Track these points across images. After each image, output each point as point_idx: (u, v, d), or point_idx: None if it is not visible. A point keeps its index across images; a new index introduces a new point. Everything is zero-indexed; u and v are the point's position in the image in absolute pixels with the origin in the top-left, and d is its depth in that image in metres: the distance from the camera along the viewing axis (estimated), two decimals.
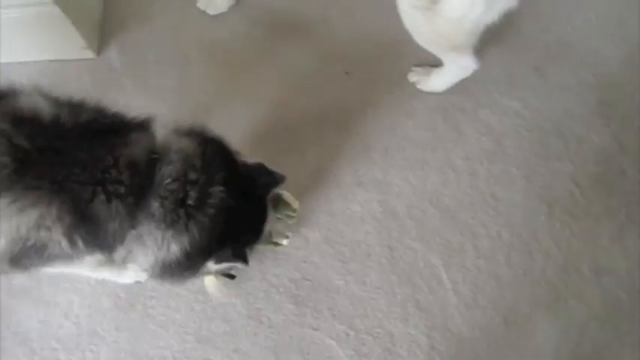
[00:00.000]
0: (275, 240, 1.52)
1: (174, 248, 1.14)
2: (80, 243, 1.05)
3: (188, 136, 1.20)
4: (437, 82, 1.75)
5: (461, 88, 1.77)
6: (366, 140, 1.75)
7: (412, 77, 1.80)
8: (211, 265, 1.26)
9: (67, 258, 1.09)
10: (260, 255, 1.62)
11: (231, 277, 1.45)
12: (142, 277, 1.61)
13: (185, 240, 1.14)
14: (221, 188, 1.16)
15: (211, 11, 1.93)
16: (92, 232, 1.06)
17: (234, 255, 1.24)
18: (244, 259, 1.26)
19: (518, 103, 1.77)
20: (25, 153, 0.98)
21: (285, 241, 1.53)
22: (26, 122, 0.99)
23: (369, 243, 1.64)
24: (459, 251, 1.61)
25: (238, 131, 1.65)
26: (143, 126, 1.14)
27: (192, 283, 1.58)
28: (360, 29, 1.90)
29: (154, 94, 1.81)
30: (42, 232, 1.01)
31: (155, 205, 1.10)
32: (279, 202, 1.50)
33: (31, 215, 0.98)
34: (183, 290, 1.61)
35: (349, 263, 1.62)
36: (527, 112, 1.76)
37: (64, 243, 1.04)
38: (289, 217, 1.52)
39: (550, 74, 1.81)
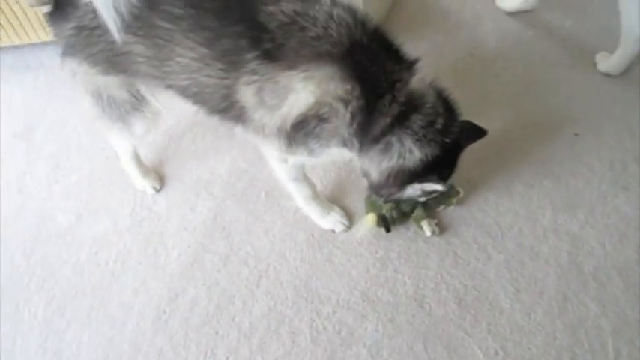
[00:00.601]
0: (422, 225, 1.80)
1: (415, 156, 1.45)
2: (355, 126, 1.36)
3: (435, 89, 1.50)
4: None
5: None
6: (575, 196, 1.85)
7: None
8: (415, 186, 1.57)
9: (328, 139, 1.42)
10: (442, 253, 1.78)
11: (388, 230, 1.78)
12: (338, 227, 1.84)
13: (426, 151, 1.45)
14: (456, 129, 1.49)
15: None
16: (367, 121, 1.36)
17: (439, 179, 1.54)
18: (444, 183, 1.57)
19: None
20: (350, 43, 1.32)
21: (428, 232, 1.79)
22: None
23: (546, 283, 1.70)
24: (632, 327, 1.61)
25: None
26: (414, 64, 1.43)
27: (375, 249, 1.79)
28: None
29: None
30: (338, 103, 1.32)
31: (417, 120, 1.41)
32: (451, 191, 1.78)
33: (343, 86, 1.30)
34: (366, 252, 1.80)
35: (521, 292, 1.70)
36: None
37: (346, 119, 1.35)
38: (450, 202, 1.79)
39: None
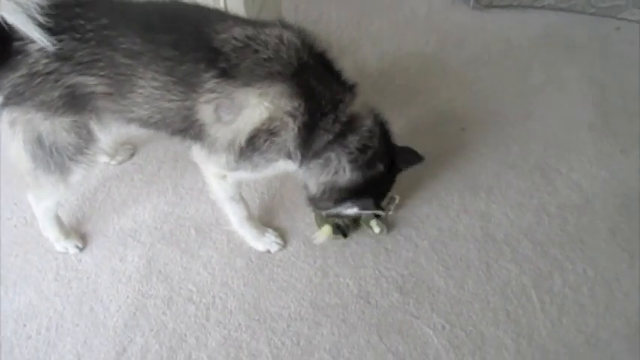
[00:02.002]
0: (371, 225, 1.93)
1: (347, 175, 1.59)
2: (300, 140, 1.49)
3: (373, 114, 1.65)
4: None
5: (557, 153, 2.13)
6: (474, 180, 2.09)
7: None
8: (353, 209, 1.71)
9: (276, 153, 1.53)
10: (375, 250, 1.91)
11: (345, 235, 1.88)
12: (274, 247, 1.91)
13: (356, 174, 1.60)
14: (390, 155, 1.68)
15: None
16: (310, 136, 1.49)
17: (369, 204, 1.69)
18: (376, 207, 1.70)
19: (606, 173, 2.10)
20: (298, 64, 1.45)
21: (377, 230, 1.92)
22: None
23: (469, 257, 1.90)
24: (547, 278, 1.85)
25: None
26: (353, 88, 1.58)
27: (313, 260, 1.88)
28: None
29: None
30: (287, 118, 1.43)
31: (354, 141, 1.55)
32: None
33: (292, 103, 1.41)
34: (305, 265, 1.88)
35: (451, 270, 1.87)
36: (614, 182, 2.07)
37: (293, 133, 1.46)
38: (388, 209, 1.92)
39: (634, 155, 2.16)
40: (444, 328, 1.76)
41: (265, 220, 1.99)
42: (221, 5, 2.19)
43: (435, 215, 2.00)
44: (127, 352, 1.70)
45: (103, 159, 2.11)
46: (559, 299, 1.81)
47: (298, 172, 1.67)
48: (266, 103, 1.44)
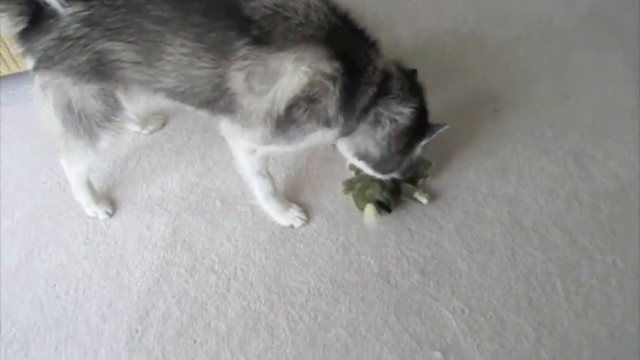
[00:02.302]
0: (416, 197, 1.92)
1: (406, 114, 1.61)
2: (344, 100, 1.49)
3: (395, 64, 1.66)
4: None
5: (594, 140, 2.06)
6: (505, 163, 2.04)
7: None
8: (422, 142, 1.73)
9: (314, 122, 1.53)
10: (398, 230, 1.89)
11: (389, 210, 1.86)
12: (297, 223, 1.92)
13: (411, 105, 1.61)
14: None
15: None
16: (353, 96, 1.50)
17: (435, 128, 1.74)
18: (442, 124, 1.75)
19: None
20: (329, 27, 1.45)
21: (425, 201, 1.92)
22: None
23: (494, 242, 1.86)
24: (574, 267, 1.80)
25: None
26: (375, 44, 1.57)
27: (336, 237, 1.88)
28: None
29: None
30: (327, 82, 1.43)
31: (395, 85, 1.58)
32: (423, 164, 1.92)
33: (331, 64, 1.42)
34: (327, 241, 1.88)
35: (474, 254, 1.84)
36: None
37: (335, 97, 1.46)
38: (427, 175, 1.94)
39: None
40: (463, 312, 1.74)
41: (290, 195, 2.00)
42: None
43: (462, 197, 1.97)
44: (150, 317, 1.75)
45: (135, 128, 2.15)
46: (585, 290, 1.76)
47: (342, 142, 1.68)
48: (304, 68, 1.43)
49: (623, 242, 1.84)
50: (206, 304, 1.77)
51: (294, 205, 1.94)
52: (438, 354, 1.66)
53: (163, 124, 2.20)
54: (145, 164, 2.11)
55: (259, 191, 1.87)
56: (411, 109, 1.59)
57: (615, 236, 1.86)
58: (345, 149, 1.72)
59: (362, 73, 1.50)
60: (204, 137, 2.16)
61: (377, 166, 1.72)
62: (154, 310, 1.76)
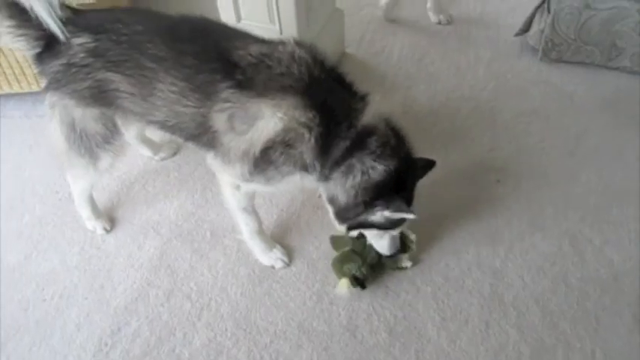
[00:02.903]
0: (400, 265, 1.90)
1: (379, 170, 1.59)
2: (317, 150, 1.53)
3: (385, 120, 1.66)
4: None
5: (594, 224, 1.99)
6: (496, 234, 2.01)
7: None
8: (384, 213, 1.65)
9: (291, 166, 1.57)
10: (374, 286, 1.89)
11: (363, 287, 1.85)
12: (278, 264, 1.95)
13: (386, 164, 1.59)
14: (409, 149, 1.68)
15: None
16: (328, 146, 1.54)
17: (402, 202, 1.64)
18: (408, 206, 1.66)
19: None
20: (309, 79, 1.52)
21: (409, 264, 1.91)
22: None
23: (470, 313, 1.82)
24: (549, 352, 1.72)
25: None
26: (364, 98, 1.61)
27: (312, 283, 1.90)
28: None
29: None
30: (302, 129, 1.49)
31: (373, 141, 1.58)
32: (405, 238, 1.89)
33: (306, 114, 1.48)
34: (303, 286, 1.90)
35: (447, 322, 1.80)
36: None
37: (310, 144, 1.51)
38: (409, 248, 1.91)
39: None
40: None
41: (277, 235, 2.05)
42: (276, 29, 2.32)
43: (445, 263, 1.95)
44: (121, 332, 1.81)
45: (147, 153, 2.28)
46: None
47: (320, 186, 1.71)
48: (279, 114, 1.49)
49: (606, 333, 1.76)
50: (175, 330, 1.82)
51: (278, 247, 1.98)
52: None
53: (174, 153, 2.32)
54: (149, 188, 2.22)
55: (244, 227, 1.92)
56: (384, 167, 1.60)
57: (599, 326, 1.77)
58: (322, 192, 1.76)
59: (338, 126, 1.54)
60: (208, 170, 2.24)
61: (339, 212, 1.72)
62: (126, 327, 1.83)
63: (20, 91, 2.45)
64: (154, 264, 1.98)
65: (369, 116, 1.63)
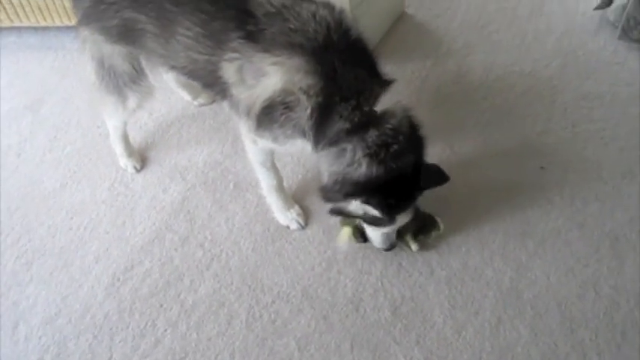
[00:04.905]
0: (407, 241, 1.80)
1: (362, 169, 1.49)
2: (314, 120, 1.44)
3: (407, 116, 1.54)
4: None
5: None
6: (529, 227, 1.86)
7: None
8: (359, 204, 1.57)
9: (292, 129, 1.51)
10: (387, 261, 1.81)
11: (365, 240, 1.79)
12: (293, 225, 1.92)
13: (372, 169, 1.48)
14: (411, 160, 1.52)
15: None
16: (325, 118, 1.44)
17: (379, 204, 1.52)
18: (383, 211, 1.54)
19: None
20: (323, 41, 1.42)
21: (414, 248, 1.79)
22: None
23: (482, 305, 1.71)
24: (561, 359, 1.60)
25: None
26: (387, 82, 1.51)
27: (324, 250, 1.85)
28: None
29: None
30: (302, 95, 1.41)
31: (372, 135, 1.46)
32: (432, 224, 1.79)
33: (307, 79, 1.40)
34: (315, 251, 1.86)
35: (456, 310, 1.71)
36: None
37: (307, 112, 1.43)
38: (430, 236, 1.79)
39: None
40: None
41: (299, 195, 2.00)
42: None
43: (467, 248, 1.83)
44: (133, 270, 1.87)
45: (187, 98, 2.29)
46: None
47: (313, 156, 1.64)
48: (280, 74, 1.42)
49: (630, 352, 1.59)
50: (184, 276, 1.85)
51: (297, 207, 1.94)
52: None
53: (213, 101, 2.30)
54: (184, 132, 2.24)
55: (262, 181, 1.90)
56: (368, 170, 1.48)
57: (624, 342, 1.61)
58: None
59: (342, 101, 1.43)
60: None
61: (322, 189, 1.64)
62: (139, 265, 1.88)
63: None
64: (175, 208, 2.01)
65: (393, 104, 1.52)
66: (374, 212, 1.57)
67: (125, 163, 2.12)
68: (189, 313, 1.77)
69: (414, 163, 1.54)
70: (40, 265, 1.91)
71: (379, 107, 1.56)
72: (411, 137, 1.53)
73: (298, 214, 1.92)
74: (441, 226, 1.80)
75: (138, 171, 2.12)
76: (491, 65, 2.29)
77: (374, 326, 1.70)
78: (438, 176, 1.59)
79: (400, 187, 1.56)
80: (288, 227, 1.92)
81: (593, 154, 2.01)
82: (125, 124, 2.05)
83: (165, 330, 1.74)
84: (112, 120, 2.01)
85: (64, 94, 2.44)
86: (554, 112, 2.13)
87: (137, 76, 1.74)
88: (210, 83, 1.59)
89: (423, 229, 1.81)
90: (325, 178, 1.64)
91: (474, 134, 2.06)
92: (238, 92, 1.54)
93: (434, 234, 1.82)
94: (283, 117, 1.50)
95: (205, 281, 1.83)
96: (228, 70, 1.50)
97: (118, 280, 1.85)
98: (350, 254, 1.85)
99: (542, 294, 1.72)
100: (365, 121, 1.48)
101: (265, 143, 1.71)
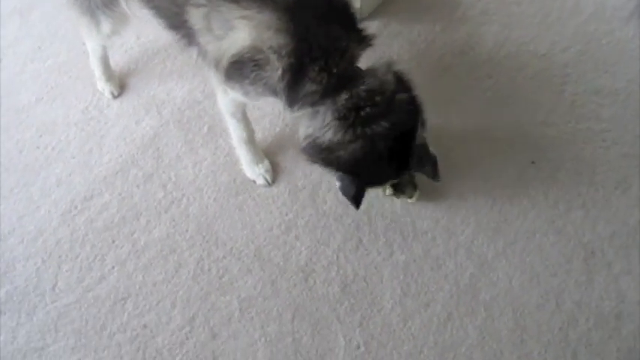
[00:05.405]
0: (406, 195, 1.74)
1: (328, 135, 1.39)
2: (285, 82, 1.33)
3: (393, 75, 1.41)
4: None
5: (626, 247, 1.66)
6: (503, 224, 1.75)
7: None
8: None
9: (263, 87, 1.40)
10: (348, 235, 1.74)
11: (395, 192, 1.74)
12: (260, 180, 1.83)
13: (339, 134, 1.39)
14: (386, 126, 1.38)
15: None
16: (297, 80, 1.33)
17: (352, 183, 1.45)
18: (353, 196, 1.48)
19: None
20: None
21: (388, 192, 1.75)
22: None
23: (435, 297, 1.64)
24: None
25: None
26: (367, 39, 1.38)
27: (286, 212, 1.78)
28: None
29: None
30: (272, 54, 1.30)
31: (342, 98, 1.35)
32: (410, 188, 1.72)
33: (277, 39, 1.28)
34: (276, 212, 1.79)
35: (407, 297, 1.64)
36: None
37: (278, 74, 1.32)
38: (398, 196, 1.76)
39: None
40: (358, 347, 1.58)
41: (272, 150, 1.90)
42: None
43: (433, 235, 1.73)
44: (92, 200, 1.83)
45: None
46: None
47: (289, 115, 1.54)
48: (248, 30, 1.31)
49: None
50: (140, 215, 1.80)
51: (266, 162, 1.84)
52: None
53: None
54: (168, 63, 2.11)
55: (233, 133, 1.80)
56: (335, 137, 1.39)
57: None
58: None
59: (312, 62, 1.31)
60: None
61: (301, 149, 1.54)
62: (98, 196, 1.83)
63: None
64: (144, 143, 1.94)
65: (375, 63, 1.40)
66: (338, 183, 1.50)
67: (102, 86, 2.03)
68: (139, 254, 1.73)
69: (400, 130, 1.41)
70: (2, 179, 1.88)
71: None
72: (396, 99, 1.40)
73: (266, 170, 1.83)
74: (415, 196, 1.73)
75: (115, 97, 2.03)
76: (504, 40, 2.09)
77: (320, 300, 1.65)
78: (429, 170, 1.52)
79: (376, 160, 1.45)
80: (254, 182, 1.84)
81: (591, 156, 1.85)
82: (104, 47, 1.94)
83: (113, 267, 1.71)
84: (89, 42, 1.91)
85: (57, 2, 2.31)
86: (561, 103, 1.96)
87: (110, 1, 1.62)
88: (175, 25, 1.47)
89: (398, 186, 1.72)
90: (300, 138, 1.54)
91: (469, 112, 1.90)
92: (205, 42, 1.42)
93: (404, 197, 1.74)
94: (254, 74, 1.39)
95: (161, 224, 1.78)
96: (194, 16, 1.38)
97: (76, 207, 1.82)
98: (312, 220, 1.77)
99: (500, 297, 1.63)
100: (336, 83, 1.36)
101: (236, 95, 1.60)
